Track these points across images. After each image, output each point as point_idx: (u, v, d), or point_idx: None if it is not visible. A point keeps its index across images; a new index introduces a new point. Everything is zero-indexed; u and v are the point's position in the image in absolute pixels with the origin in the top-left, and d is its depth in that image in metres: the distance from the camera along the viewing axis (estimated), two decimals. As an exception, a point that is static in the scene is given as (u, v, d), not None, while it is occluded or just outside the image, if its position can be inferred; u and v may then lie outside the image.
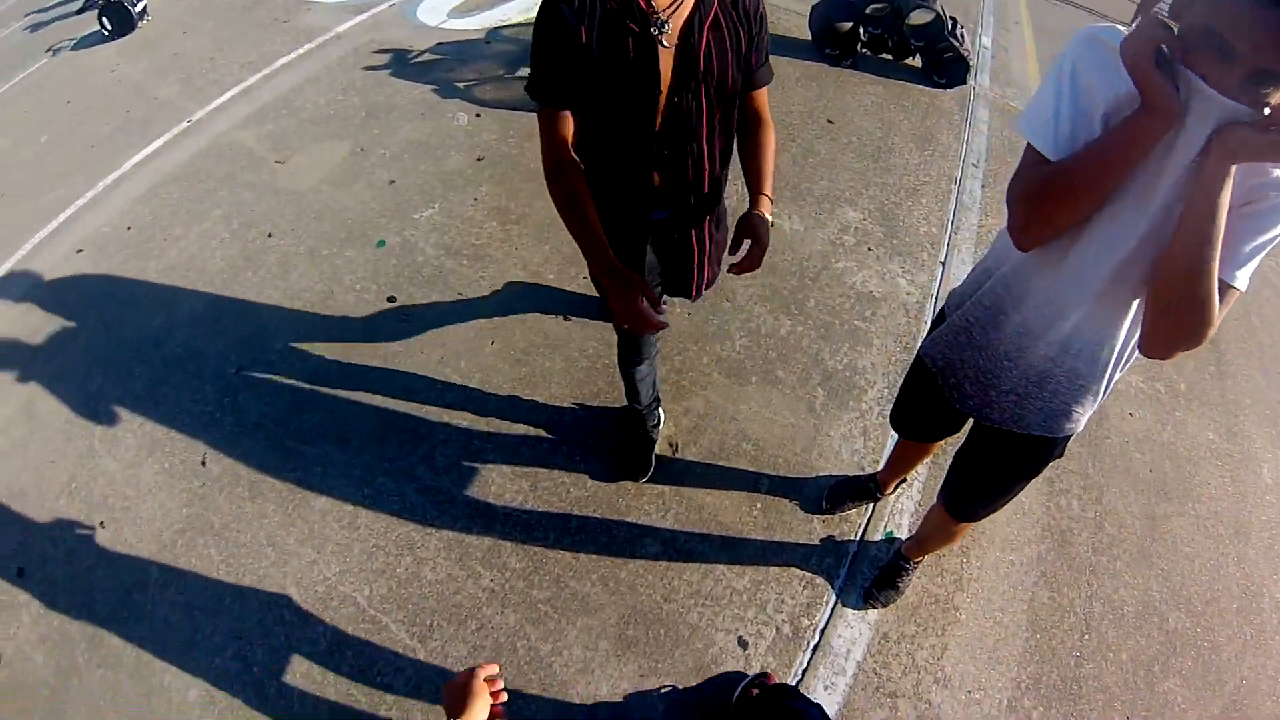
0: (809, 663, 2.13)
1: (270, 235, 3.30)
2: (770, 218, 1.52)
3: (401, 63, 4.51)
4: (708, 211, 1.68)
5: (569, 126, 1.40)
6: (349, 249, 3.22)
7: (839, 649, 2.15)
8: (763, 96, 1.57)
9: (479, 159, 3.68)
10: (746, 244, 1.53)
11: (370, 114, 4.03)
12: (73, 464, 2.56)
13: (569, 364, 2.80)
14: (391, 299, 2.99)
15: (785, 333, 2.93)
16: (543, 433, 2.59)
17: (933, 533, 2.04)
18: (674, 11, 1.30)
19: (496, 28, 4.88)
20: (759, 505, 2.44)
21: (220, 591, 2.24)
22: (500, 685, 1.05)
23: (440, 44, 4.69)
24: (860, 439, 2.62)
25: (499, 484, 2.46)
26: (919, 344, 1.72)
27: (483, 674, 1.03)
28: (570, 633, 2.13)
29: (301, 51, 4.69)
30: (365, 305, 2.97)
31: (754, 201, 1.54)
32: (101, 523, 2.42)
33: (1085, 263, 1.18)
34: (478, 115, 3.99)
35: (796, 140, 4.01)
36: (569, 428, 2.61)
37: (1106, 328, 1.26)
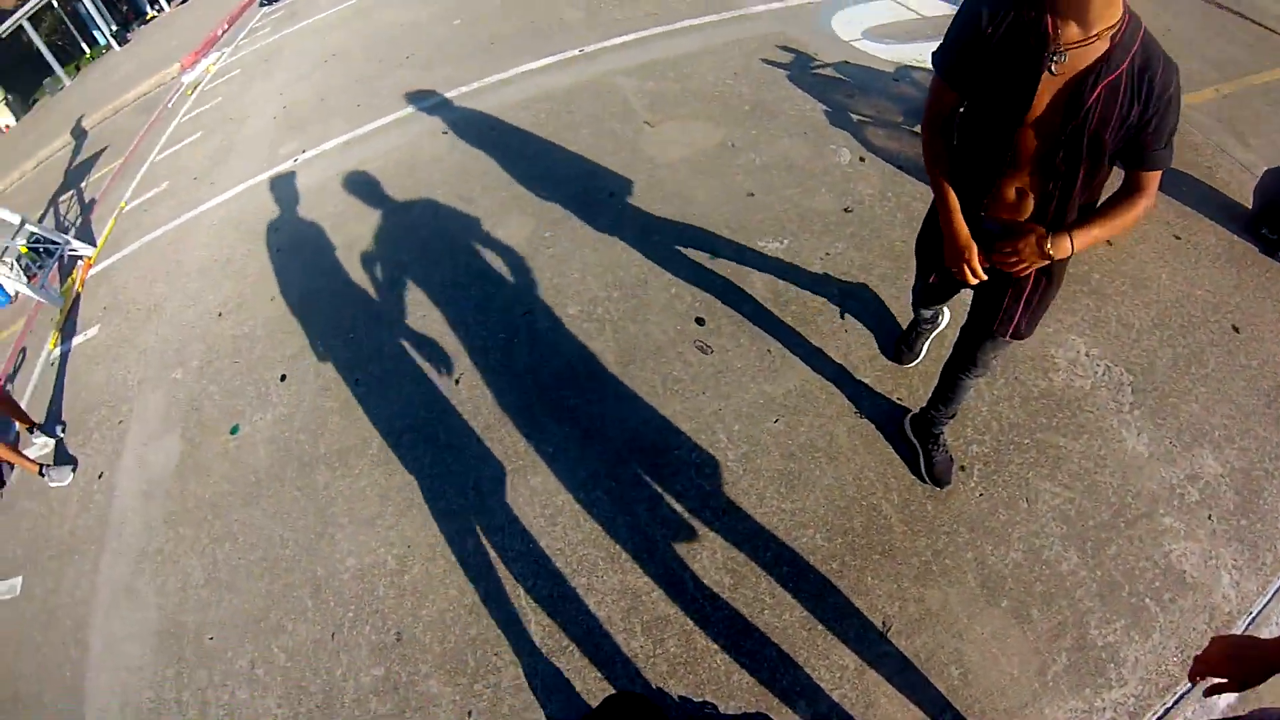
0: None
1: (611, 195, 3.19)
2: (1055, 251, 1.55)
3: (801, 69, 4.21)
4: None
5: (951, 101, 1.60)
6: (683, 245, 3.01)
7: None
8: (1152, 178, 1.51)
9: (847, 210, 3.28)
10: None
11: (754, 111, 3.79)
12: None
13: (837, 485, 2.39)
14: (700, 320, 2.73)
15: (1066, 570, 2.30)
16: (777, 537, 2.28)
17: None
18: (1078, 50, 1.36)
19: (908, 65, 4.40)
20: None
21: (404, 499, 2.43)
22: None
23: (846, 63, 4.32)
24: None
25: (704, 564, 2.22)
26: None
27: None
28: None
29: (709, 20, 4.58)
30: (673, 314, 2.75)
31: (1054, 238, 1.55)
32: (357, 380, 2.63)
33: None
34: (861, 159, 3.58)
35: (1190, 340, 3.15)
36: (806, 548, 2.27)
37: None
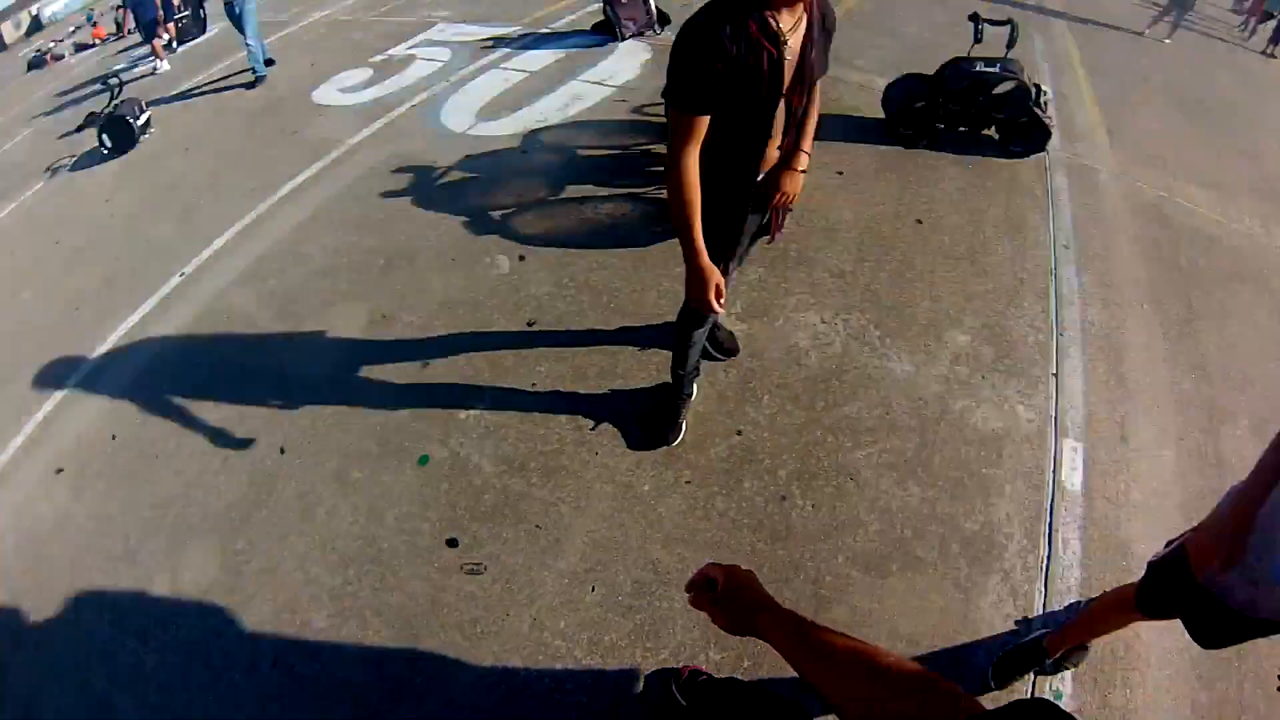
0: None
1: (283, 451, 2.70)
2: (804, 167, 2.04)
3: (425, 185, 3.96)
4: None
5: (702, 127, 1.67)
6: (384, 472, 2.61)
7: None
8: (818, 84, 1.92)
9: (530, 324, 3.07)
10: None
11: (391, 262, 3.46)
12: None
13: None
14: (452, 542, 2.37)
15: (917, 502, 2.45)
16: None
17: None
18: (793, 31, 1.62)
19: (534, 131, 4.34)
20: None
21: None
22: None
23: (469, 156, 4.15)
24: (1010, 600, 2.28)
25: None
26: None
27: None
28: None
29: (311, 173, 4.17)
30: (419, 555, 2.36)
31: (794, 159, 2.00)
32: None
33: None
34: (521, 258, 3.41)
35: (893, 253, 3.45)
36: (716, 664, 2.10)
37: None
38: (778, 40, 1.59)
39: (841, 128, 4.41)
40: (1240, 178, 4.80)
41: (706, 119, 1.66)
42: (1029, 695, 2.13)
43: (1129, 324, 3.34)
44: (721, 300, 1.88)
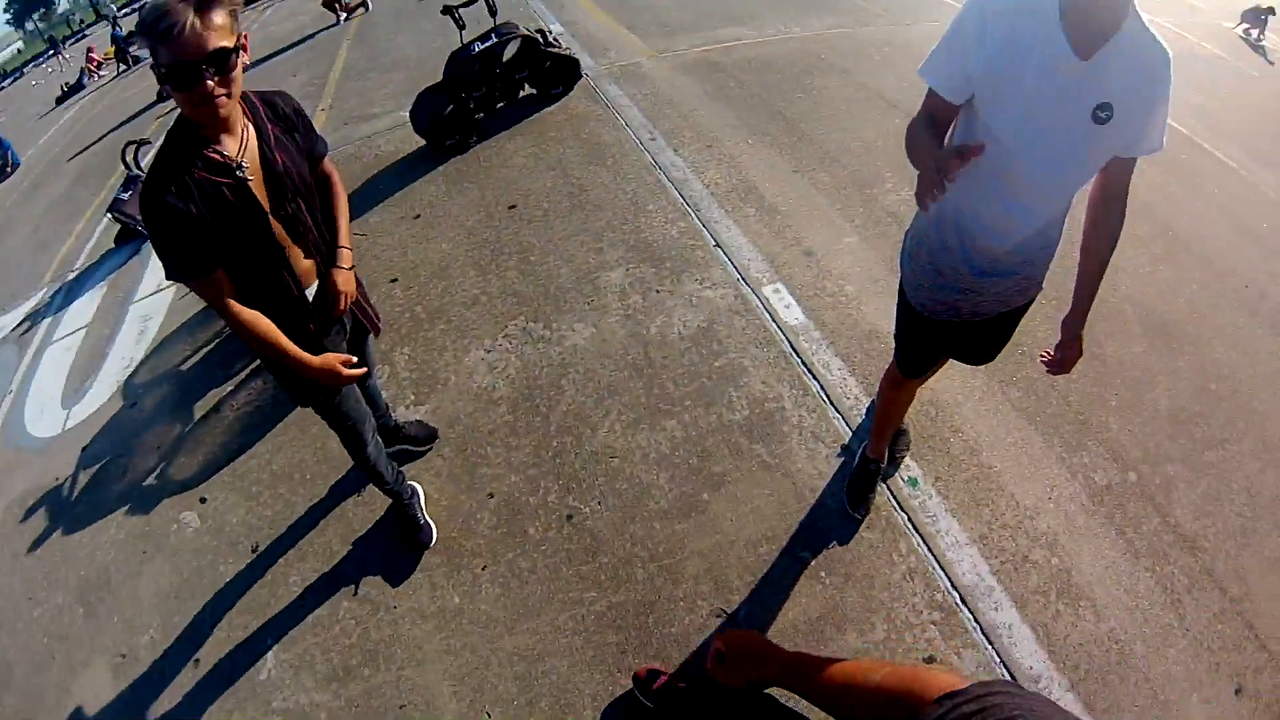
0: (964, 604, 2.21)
1: None
2: (348, 262, 1.95)
3: (65, 509, 3.45)
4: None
5: (224, 282, 1.61)
6: None
7: (968, 578, 2.24)
8: (327, 161, 1.91)
9: (254, 549, 2.89)
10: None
11: (89, 602, 3.02)
12: None
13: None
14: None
15: (681, 432, 2.67)
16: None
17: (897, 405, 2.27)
18: (244, 150, 1.56)
19: (128, 379, 3.92)
20: (822, 573, 2.29)
21: None
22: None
23: (85, 448, 3.66)
24: (818, 444, 2.54)
25: None
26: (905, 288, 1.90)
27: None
28: None
29: None
30: None
31: (337, 257, 1.93)
32: None
33: (1024, 193, 1.48)
34: (203, 500, 3.15)
35: (508, 248, 3.67)
36: None
37: (1053, 225, 1.61)
38: (230, 169, 1.53)
39: (394, 175, 4.52)
40: (761, 3, 5.60)
41: (218, 273, 1.59)
42: (895, 504, 2.45)
43: (745, 162, 3.79)
44: (348, 367, 1.85)
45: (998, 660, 2.10)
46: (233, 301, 1.64)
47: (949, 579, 2.26)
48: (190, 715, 2.58)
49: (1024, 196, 1.49)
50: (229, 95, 1.47)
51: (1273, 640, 2.21)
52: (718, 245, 3.34)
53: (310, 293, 1.89)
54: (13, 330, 4.89)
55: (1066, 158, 1.40)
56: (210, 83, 1.41)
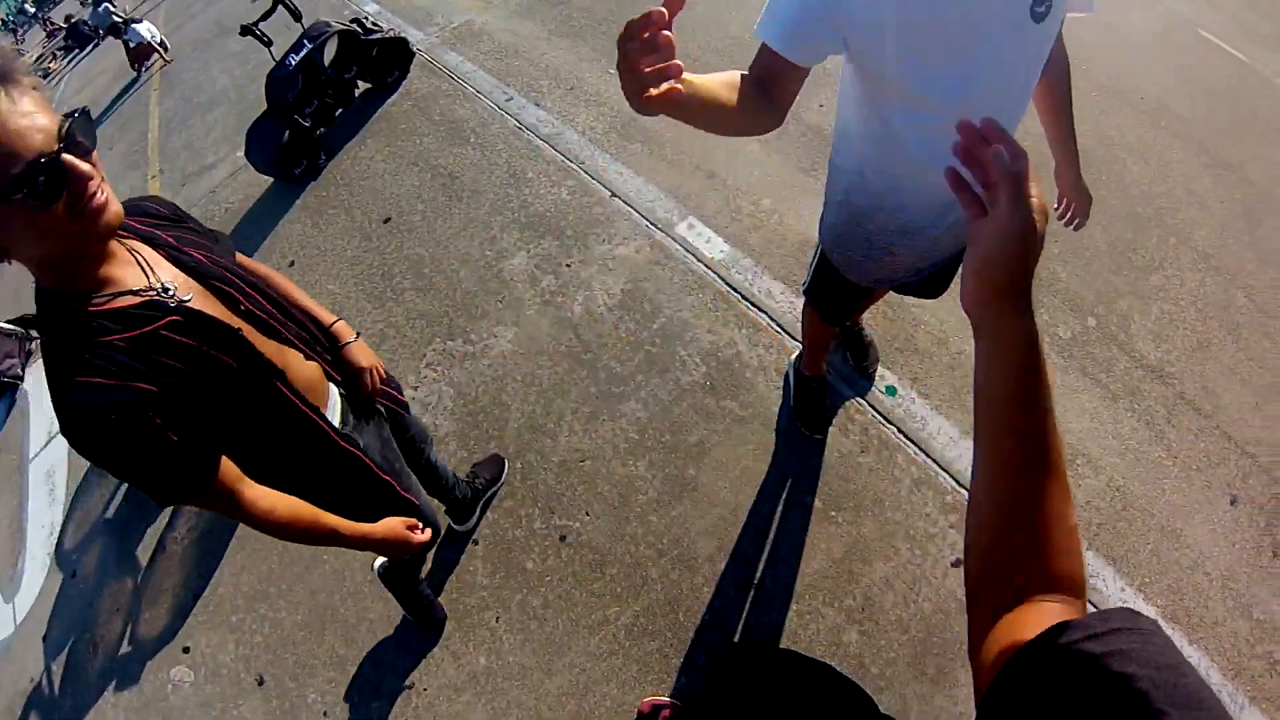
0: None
1: None
2: (353, 335, 1.62)
3: (50, 707, 3.18)
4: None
5: (231, 469, 1.18)
6: None
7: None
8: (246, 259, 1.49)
9: (260, 682, 2.69)
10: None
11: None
12: None
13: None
14: None
15: (644, 412, 2.54)
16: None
17: None
18: (152, 272, 1.11)
19: (57, 548, 3.59)
20: (832, 513, 2.24)
21: None
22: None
23: (44, 637, 3.36)
24: (775, 375, 2.48)
25: None
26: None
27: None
28: None
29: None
30: None
31: (338, 335, 1.61)
32: None
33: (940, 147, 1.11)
34: (185, 650, 2.92)
35: (398, 278, 3.36)
36: None
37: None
38: (158, 305, 1.07)
39: (252, 226, 4.08)
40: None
41: (223, 464, 1.16)
42: (880, 419, 2.35)
43: (615, 95, 3.49)
44: (419, 531, 1.50)
45: (1020, 539, 2.06)
46: (254, 496, 1.22)
47: (953, 478, 2.19)
48: None
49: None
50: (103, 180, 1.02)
51: (1250, 444, 2.23)
52: (614, 195, 3.09)
53: (334, 415, 1.51)
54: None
55: (1019, 84, 1.15)
56: (85, 165, 0.94)
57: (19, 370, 4.50)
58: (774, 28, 1.10)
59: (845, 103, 1.33)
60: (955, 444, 2.31)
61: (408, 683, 2.46)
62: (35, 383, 4.42)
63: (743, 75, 1.11)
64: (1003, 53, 1.06)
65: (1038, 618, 0.51)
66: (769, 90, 1.12)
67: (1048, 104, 1.47)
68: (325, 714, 2.55)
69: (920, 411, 2.38)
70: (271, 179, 4.23)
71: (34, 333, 4.72)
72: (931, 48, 1.04)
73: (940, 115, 1.07)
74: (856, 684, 1.16)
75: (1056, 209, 1.74)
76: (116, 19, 8.91)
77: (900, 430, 2.34)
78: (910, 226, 1.39)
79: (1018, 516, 0.57)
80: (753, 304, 2.63)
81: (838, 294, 1.77)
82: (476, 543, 2.50)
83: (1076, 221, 1.73)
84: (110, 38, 9.30)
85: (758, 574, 2.16)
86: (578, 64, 3.97)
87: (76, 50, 14.62)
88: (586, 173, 3.26)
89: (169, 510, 3.25)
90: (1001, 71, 1.09)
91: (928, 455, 2.28)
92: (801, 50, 1.09)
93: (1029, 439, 0.58)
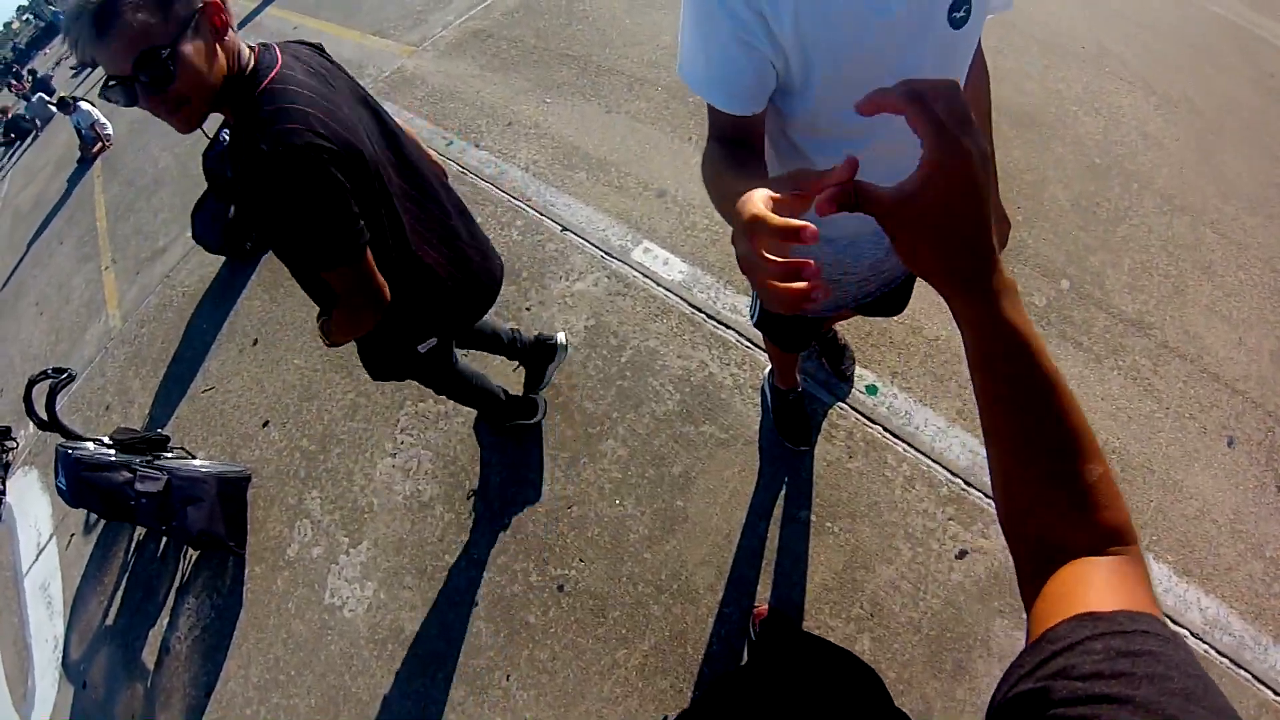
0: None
1: None
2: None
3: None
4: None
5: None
6: None
7: (962, 460, 2.20)
8: None
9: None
10: None
11: None
12: None
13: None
14: None
15: (624, 451, 2.51)
16: None
17: None
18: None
19: (63, 662, 3.53)
20: (828, 524, 2.21)
21: None
22: None
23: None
24: (751, 392, 2.46)
25: None
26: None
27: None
28: None
29: None
30: None
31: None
32: None
33: (901, 153, 1.01)
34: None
35: (356, 368, 3.30)
36: None
37: None
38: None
39: (212, 306, 4.02)
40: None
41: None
42: (864, 420, 2.33)
43: (553, 125, 3.47)
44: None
45: (1019, 520, 2.05)
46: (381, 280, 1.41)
47: (945, 468, 2.17)
48: None
49: (903, 156, 1.18)
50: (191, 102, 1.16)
51: (1239, 380, 2.22)
52: (565, 229, 3.05)
53: None
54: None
55: None
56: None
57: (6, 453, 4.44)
58: (717, 89, 0.97)
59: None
60: (944, 433, 2.29)
61: (428, 754, 2.43)
62: (16, 495, 4.35)
63: (713, 146, 0.99)
64: (923, 67, 0.95)
65: (1078, 589, 0.47)
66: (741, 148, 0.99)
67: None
68: (355, 794, 2.52)
69: (904, 406, 2.36)
70: (223, 258, 4.16)
71: (7, 443, 4.65)
72: (849, 71, 0.94)
73: (859, 139, 1.00)
74: (874, 671, 1.21)
75: None
76: (52, 107, 8.78)
77: (886, 429, 2.32)
78: (845, 255, 1.34)
79: (1038, 498, 0.52)
80: (719, 322, 2.60)
81: (788, 325, 1.71)
82: (476, 604, 2.47)
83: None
84: (50, 124, 9.17)
85: (760, 596, 2.14)
86: (513, 97, 3.92)
87: (19, 143, 14.46)
88: (534, 210, 3.22)
89: (168, 609, 3.20)
90: (935, 69, 0.96)
91: (917, 450, 2.25)
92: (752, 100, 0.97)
93: (1032, 437, 0.52)
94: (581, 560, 2.40)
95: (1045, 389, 0.52)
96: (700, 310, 2.65)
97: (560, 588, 2.39)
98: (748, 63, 0.91)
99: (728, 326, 2.59)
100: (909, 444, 2.28)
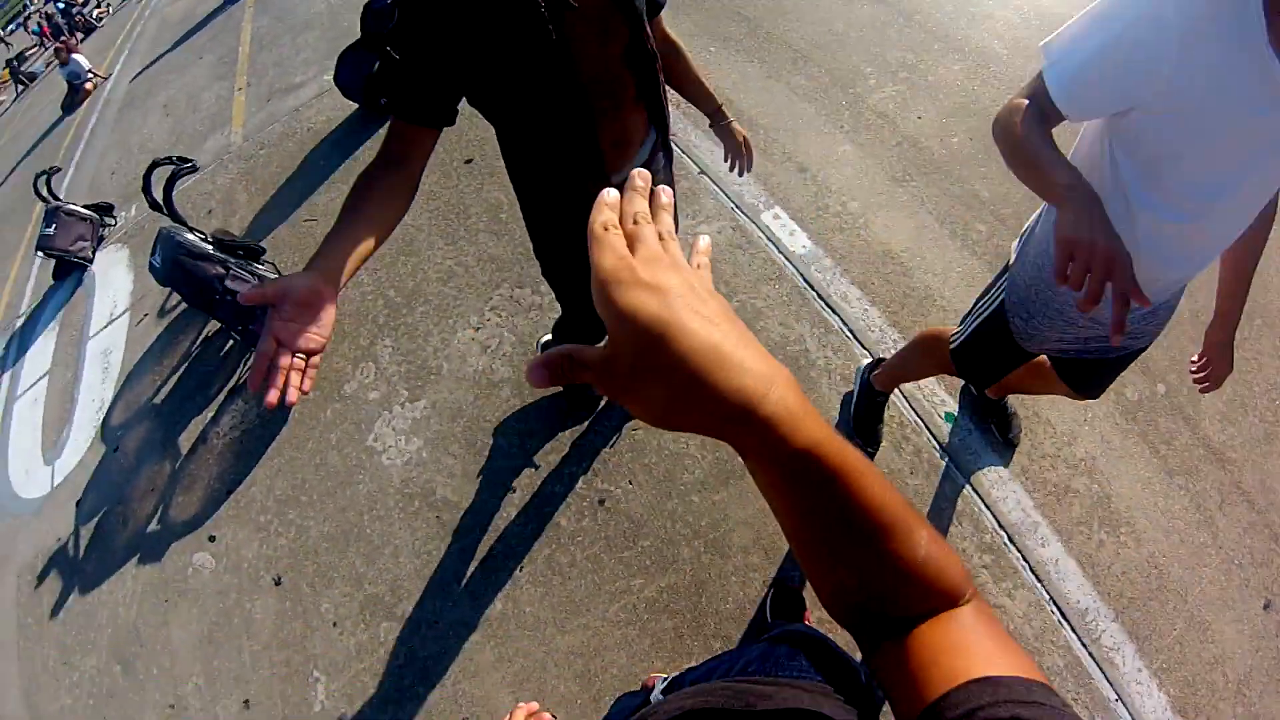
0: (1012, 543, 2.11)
1: None
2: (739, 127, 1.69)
3: (75, 570, 3.29)
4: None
5: (420, 142, 1.16)
6: None
7: (1014, 515, 2.13)
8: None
9: (277, 582, 2.74)
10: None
11: (125, 659, 2.92)
12: None
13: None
14: None
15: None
16: None
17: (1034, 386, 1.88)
18: None
19: (104, 422, 3.69)
20: None
21: None
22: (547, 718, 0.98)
23: (78, 503, 3.47)
24: (849, 387, 2.41)
25: None
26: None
27: (522, 712, 0.96)
28: None
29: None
30: None
31: (719, 113, 1.69)
32: None
33: (1200, 248, 1.14)
34: (211, 539, 2.99)
35: (473, 219, 3.36)
36: None
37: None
38: None
39: (333, 148, 4.11)
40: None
41: (423, 132, 1.16)
42: (935, 444, 2.27)
43: (714, 74, 3.44)
44: None
45: (1047, 598, 2.03)
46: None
47: (995, 518, 2.13)
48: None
49: (1198, 252, 1.15)
50: None
51: None
52: (702, 173, 3.04)
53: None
54: (-32, 387, 4.60)
55: (1263, 195, 1.08)
56: None
57: (89, 253, 4.63)
58: (1070, 84, 1.01)
59: (1080, 163, 1.16)
60: (1003, 484, 2.25)
61: (422, 612, 2.48)
62: (103, 266, 4.54)
63: (1020, 103, 1.06)
64: (1264, 159, 0.96)
65: (959, 652, 0.45)
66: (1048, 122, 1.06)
67: (1239, 241, 1.21)
68: (335, 624, 2.59)
69: (975, 444, 2.32)
70: (356, 106, 4.25)
71: (107, 219, 4.84)
72: (1203, 142, 0.95)
73: (1185, 214, 1.03)
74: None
75: (1193, 362, 1.56)
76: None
77: (954, 461, 2.28)
78: (1101, 314, 1.26)
79: (872, 575, 0.48)
80: (828, 305, 2.57)
81: (998, 357, 1.58)
82: (514, 490, 2.51)
83: (1205, 386, 1.53)
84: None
85: (788, 573, 2.13)
86: (680, 36, 3.91)
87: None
88: (678, 146, 3.23)
89: (216, 405, 3.31)
90: (1253, 177, 1.00)
91: (974, 490, 2.21)
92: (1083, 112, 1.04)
93: (844, 540, 0.47)
94: (630, 482, 2.42)
95: (844, 495, 0.45)
96: (813, 288, 2.62)
97: (601, 501, 2.41)
98: (1114, 88, 0.96)
99: (835, 311, 2.57)
100: (970, 481, 2.24)
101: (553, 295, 2.86)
